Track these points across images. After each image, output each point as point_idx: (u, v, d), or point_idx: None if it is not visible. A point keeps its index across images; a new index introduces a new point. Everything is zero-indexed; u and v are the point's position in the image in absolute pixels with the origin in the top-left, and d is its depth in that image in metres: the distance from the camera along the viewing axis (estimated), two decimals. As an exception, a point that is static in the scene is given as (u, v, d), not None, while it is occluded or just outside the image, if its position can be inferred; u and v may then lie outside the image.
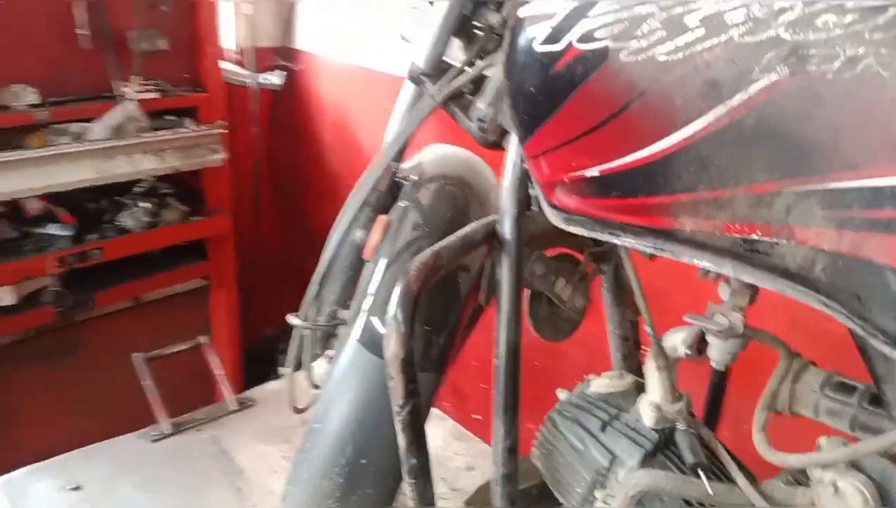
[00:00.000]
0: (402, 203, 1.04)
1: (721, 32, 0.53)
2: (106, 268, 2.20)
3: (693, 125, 0.56)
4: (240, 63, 2.72)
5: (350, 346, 1.01)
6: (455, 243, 0.80)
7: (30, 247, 2.06)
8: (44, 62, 2.02)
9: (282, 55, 2.79)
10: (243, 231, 2.72)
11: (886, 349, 0.52)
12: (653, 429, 0.81)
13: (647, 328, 0.81)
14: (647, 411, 0.82)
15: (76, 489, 1.49)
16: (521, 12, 0.65)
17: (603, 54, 0.59)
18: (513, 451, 0.86)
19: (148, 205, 2.22)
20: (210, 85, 2.34)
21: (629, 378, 0.88)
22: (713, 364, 0.76)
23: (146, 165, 2.16)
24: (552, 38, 0.62)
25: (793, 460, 0.67)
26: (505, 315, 0.84)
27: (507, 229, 0.82)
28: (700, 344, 0.77)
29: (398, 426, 0.76)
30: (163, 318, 2.37)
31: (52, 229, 2.11)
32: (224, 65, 2.46)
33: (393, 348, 0.73)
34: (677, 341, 0.77)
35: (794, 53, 0.51)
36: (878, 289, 0.51)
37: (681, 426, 0.80)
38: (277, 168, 2.95)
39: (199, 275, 2.48)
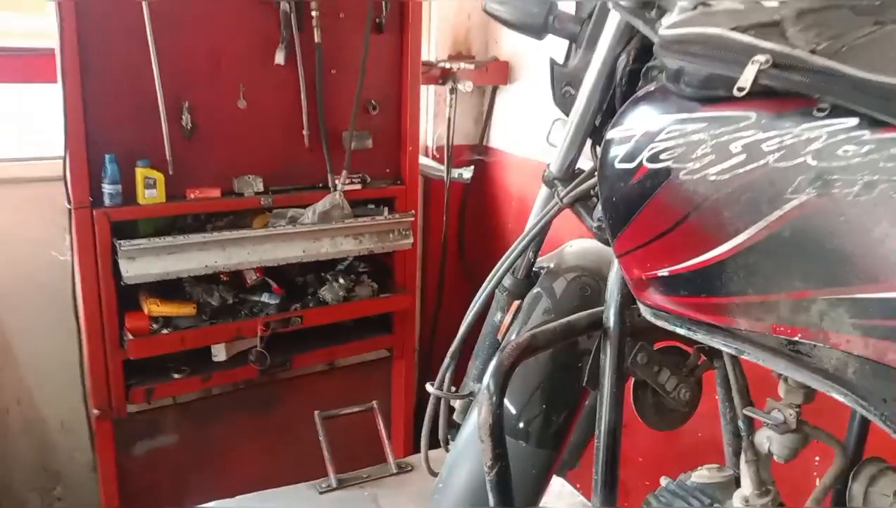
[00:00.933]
0: (535, 290, 1.16)
1: (759, 158, 0.61)
2: (305, 334, 2.50)
3: (739, 237, 0.63)
4: (436, 158, 3.02)
5: (468, 423, 1.12)
6: (555, 328, 0.90)
7: (244, 311, 2.40)
8: (271, 156, 2.39)
9: (474, 151, 3.06)
10: (428, 309, 2.95)
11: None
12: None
13: (741, 424, 0.85)
14: (737, 503, 0.84)
15: (255, 524, 1.71)
16: (609, 134, 0.76)
17: (666, 173, 0.68)
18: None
19: (344, 281, 2.51)
20: (407, 178, 2.62)
21: (729, 472, 0.91)
22: (776, 458, 0.79)
23: (346, 247, 2.46)
24: (628, 157, 0.72)
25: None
26: (606, 400, 0.91)
27: (611, 318, 0.91)
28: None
29: (488, 486, 0.86)
30: (349, 382, 2.63)
31: (264, 298, 2.44)
32: (422, 160, 2.74)
33: (483, 415, 0.84)
34: (763, 437, 0.80)
35: (820, 178, 0.58)
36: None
37: (769, 520, 0.82)
38: (465, 253, 3.18)
39: (383, 346, 2.72)
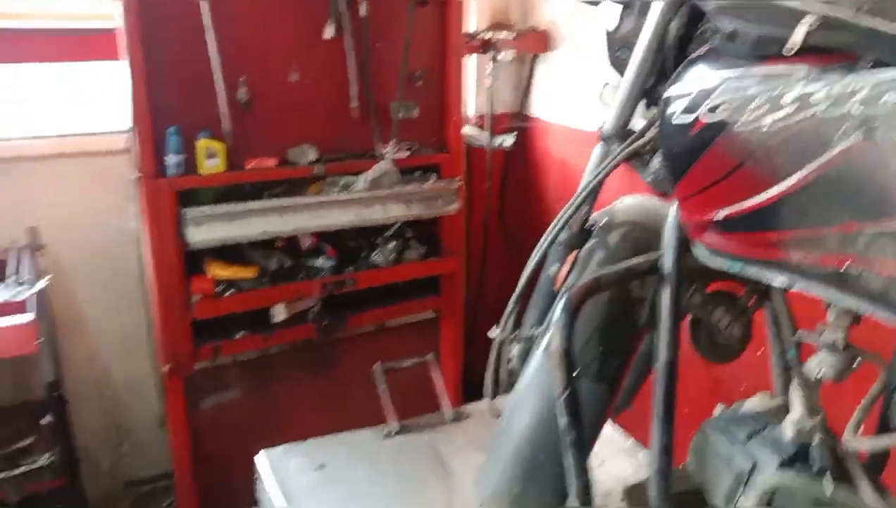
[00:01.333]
0: (591, 243, 1.25)
1: (808, 108, 0.70)
2: (358, 296, 2.63)
3: (791, 179, 0.72)
4: (479, 127, 3.11)
5: (537, 356, 1.23)
6: (618, 271, 1.00)
7: (301, 274, 2.53)
8: (323, 127, 2.50)
9: (515, 120, 3.14)
10: (472, 272, 3.06)
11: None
12: (792, 442, 0.93)
13: (790, 355, 0.94)
14: (788, 426, 0.94)
15: (321, 467, 1.84)
16: (669, 91, 0.85)
17: (723, 125, 0.77)
18: (667, 451, 1.02)
19: (394, 245, 2.62)
20: (452, 146, 2.72)
21: (779, 399, 1.01)
22: (828, 378, 0.88)
23: (396, 213, 2.57)
24: (687, 111, 0.81)
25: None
26: (663, 337, 1.01)
27: (667, 262, 1.00)
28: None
29: (559, 409, 0.96)
30: (399, 343, 2.75)
31: (319, 262, 2.56)
32: (465, 129, 2.83)
33: (555, 344, 0.94)
34: (813, 363, 0.89)
35: (865, 123, 0.66)
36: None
37: (816, 440, 0.91)
38: (507, 218, 3.28)
39: (432, 307, 2.84)
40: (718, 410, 1.05)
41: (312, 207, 2.43)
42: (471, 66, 3.12)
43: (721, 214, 0.81)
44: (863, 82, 0.66)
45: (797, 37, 0.69)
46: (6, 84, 2.62)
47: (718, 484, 0.98)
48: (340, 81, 2.51)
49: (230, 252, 2.44)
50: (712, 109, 0.78)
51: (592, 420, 1.20)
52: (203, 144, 2.31)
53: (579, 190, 1.23)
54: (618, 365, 1.18)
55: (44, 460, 2.37)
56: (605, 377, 1.18)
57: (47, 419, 2.47)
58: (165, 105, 2.26)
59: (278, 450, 1.92)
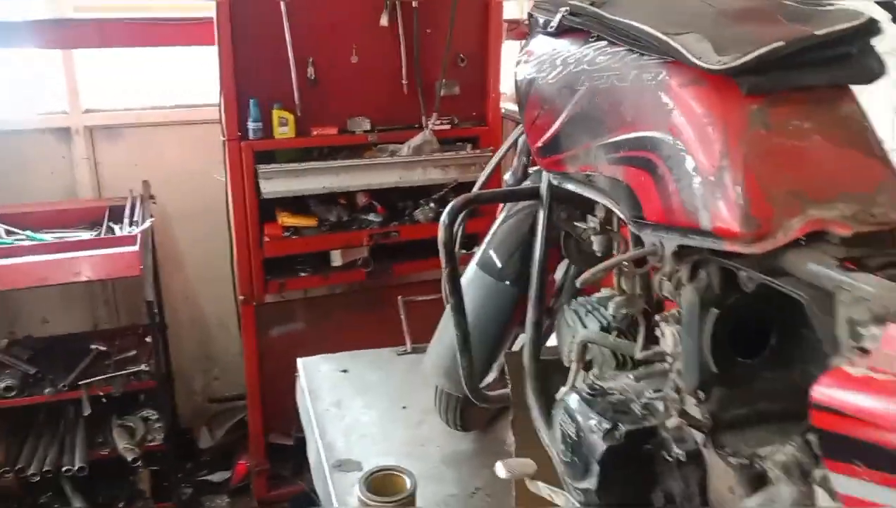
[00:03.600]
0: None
1: (566, 67, 1.07)
2: (403, 249, 3.07)
3: (562, 115, 1.09)
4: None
5: (472, 267, 1.62)
6: (501, 192, 1.38)
7: (355, 226, 3.00)
8: (377, 101, 2.95)
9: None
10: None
11: (633, 227, 1.00)
12: (611, 315, 1.28)
13: (616, 253, 1.29)
14: (610, 305, 1.29)
15: (344, 371, 2.30)
16: (516, 64, 1.23)
17: (532, 81, 1.15)
18: (538, 325, 1.38)
19: (433, 206, 3.04)
20: (490, 120, 3.11)
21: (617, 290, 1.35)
22: (598, 253, 1.23)
23: (434, 176, 2.99)
24: (520, 74, 1.19)
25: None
26: (538, 241, 1.38)
27: (543, 187, 1.37)
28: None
29: (444, 281, 1.35)
30: (437, 291, 3.16)
31: (371, 217, 3.03)
32: (503, 104, 3.21)
33: (441, 236, 1.33)
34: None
35: (590, 75, 1.03)
36: (623, 193, 1.00)
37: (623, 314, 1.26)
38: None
39: (465, 262, 3.24)
40: (581, 298, 1.40)
41: (362, 168, 2.89)
42: (512, 48, 3.48)
43: (540, 142, 1.19)
44: (588, 49, 1.02)
45: (555, 20, 1.05)
46: (126, 63, 3.24)
47: (563, 345, 1.34)
48: (393, 62, 2.95)
49: (297, 204, 2.94)
50: (531, 70, 1.15)
51: (507, 314, 1.58)
52: (277, 113, 2.81)
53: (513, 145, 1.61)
54: (525, 273, 1.52)
55: (143, 366, 2.96)
56: (515, 281, 1.55)
57: (149, 338, 3.08)
58: (247, 81, 2.78)
59: (314, 358, 2.40)
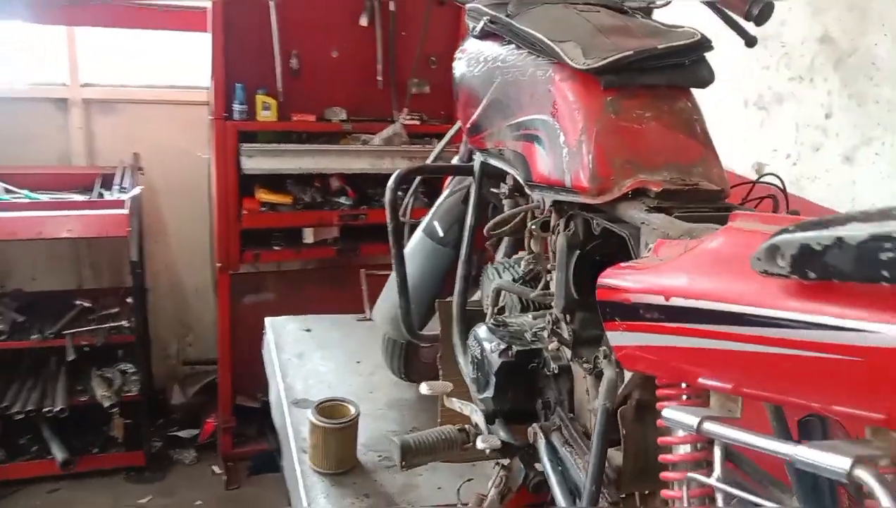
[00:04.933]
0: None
1: (487, 63, 1.36)
2: (371, 233, 3.35)
3: (483, 102, 1.39)
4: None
5: (418, 233, 1.91)
6: (440, 167, 1.67)
7: (327, 207, 3.28)
8: (353, 94, 3.24)
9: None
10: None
11: (526, 189, 1.29)
12: (523, 270, 1.57)
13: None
14: (522, 262, 1.58)
15: (308, 330, 2.58)
16: (456, 54, 1.52)
17: (462, 76, 1.45)
18: (466, 279, 1.67)
19: (400, 193, 3.32)
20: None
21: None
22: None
23: (402, 166, 3.26)
24: (455, 70, 1.49)
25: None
26: (470, 208, 1.67)
27: (476, 164, 1.66)
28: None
29: (390, 237, 1.64)
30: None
31: (342, 199, 3.31)
32: (470, 106, 3.50)
33: (387, 197, 1.61)
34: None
35: (502, 70, 1.32)
36: (520, 163, 1.29)
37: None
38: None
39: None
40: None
41: (336, 153, 3.18)
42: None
43: (468, 124, 1.48)
44: (503, 50, 1.32)
45: (479, 26, 1.35)
46: (124, 44, 3.50)
47: (484, 295, 1.63)
48: (370, 59, 3.24)
49: (275, 183, 3.21)
50: (460, 66, 1.45)
51: (442, 273, 1.87)
52: (261, 98, 3.09)
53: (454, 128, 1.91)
54: (460, 236, 1.81)
55: (123, 323, 3.22)
56: (454, 246, 1.84)
57: (130, 299, 3.33)
58: (235, 67, 3.05)
59: (281, 318, 2.68)
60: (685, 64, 1.16)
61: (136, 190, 3.19)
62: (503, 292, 1.55)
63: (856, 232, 0.52)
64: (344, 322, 2.68)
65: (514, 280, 1.57)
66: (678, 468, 0.78)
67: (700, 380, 0.75)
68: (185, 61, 3.57)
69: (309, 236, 3.31)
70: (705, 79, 1.18)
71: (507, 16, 1.33)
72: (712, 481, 0.72)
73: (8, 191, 3.09)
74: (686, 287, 0.74)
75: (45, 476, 3.20)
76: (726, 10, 1.40)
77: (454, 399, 1.54)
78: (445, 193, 1.96)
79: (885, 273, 0.50)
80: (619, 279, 0.87)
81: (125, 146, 3.49)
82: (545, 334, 1.35)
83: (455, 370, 1.68)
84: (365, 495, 1.77)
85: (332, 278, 3.46)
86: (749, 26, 1.43)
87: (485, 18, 1.36)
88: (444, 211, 1.91)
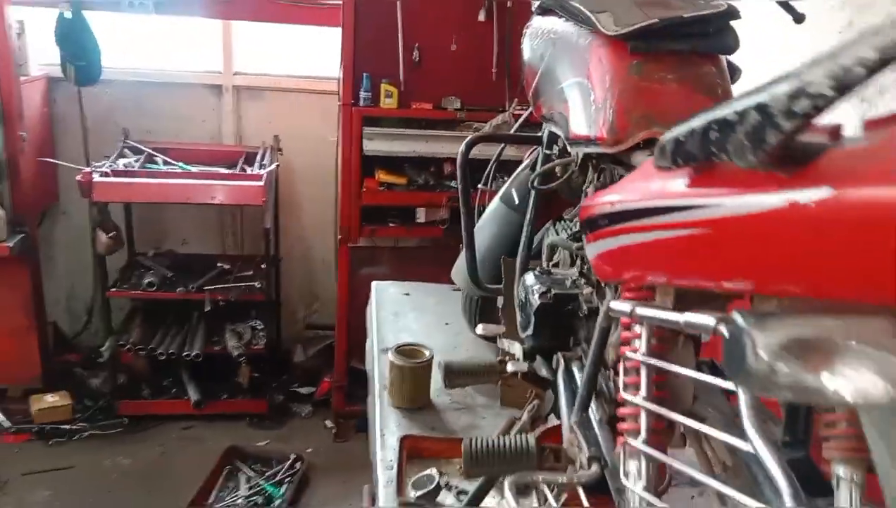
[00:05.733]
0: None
1: (544, 36, 1.54)
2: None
3: (539, 70, 1.56)
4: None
5: (496, 200, 2.10)
6: (506, 136, 1.85)
7: (438, 189, 3.53)
8: (469, 84, 3.47)
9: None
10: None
11: (567, 145, 1.46)
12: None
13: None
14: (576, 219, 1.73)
15: (406, 294, 2.83)
16: (524, 31, 1.71)
17: (527, 47, 1.63)
18: (530, 240, 1.84)
19: (505, 178, 3.51)
20: (566, 110, 3.55)
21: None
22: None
23: (509, 153, 3.46)
24: (523, 42, 1.67)
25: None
26: (536, 174, 1.84)
27: (543, 133, 1.83)
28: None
29: (460, 197, 1.84)
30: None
31: (452, 183, 3.54)
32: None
33: (459, 161, 1.81)
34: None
35: (555, 39, 1.49)
36: (563, 122, 1.45)
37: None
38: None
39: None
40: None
41: (449, 139, 3.42)
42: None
43: (530, 92, 1.65)
44: (554, 23, 1.49)
45: (536, 4, 1.52)
46: (266, 36, 3.93)
47: (543, 252, 1.79)
48: (486, 52, 3.46)
49: (393, 164, 3.50)
50: (526, 40, 1.63)
51: (513, 236, 2.05)
52: (384, 87, 3.39)
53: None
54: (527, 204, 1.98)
55: (255, 283, 3.62)
56: (519, 209, 2.01)
57: (264, 265, 3.73)
58: (363, 58, 3.37)
59: (385, 282, 2.95)
60: (710, 32, 1.29)
61: (273, 166, 3.58)
62: (557, 248, 1.71)
63: (701, 120, 0.67)
64: (440, 290, 2.90)
65: (568, 237, 1.73)
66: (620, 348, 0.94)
67: (644, 277, 0.90)
68: (321, 53, 3.95)
69: (421, 215, 3.57)
70: (730, 46, 1.30)
71: (562, -4, 1.50)
72: (639, 356, 0.87)
73: (166, 162, 3.57)
74: (622, 193, 0.89)
75: (180, 415, 3.66)
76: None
77: (504, 340, 1.71)
78: (524, 163, 2.13)
79: (714, 150, 0.65)
80: (589, 200, 1.03)
81: (268, 129, 3.91)
82: (582, 280, 1.50)
83: (514, 320, 1.85)
84: (431, 428, 1.97)
85: (439, 256, 3.66)
86: (798, 4, 1.52)
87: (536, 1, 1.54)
88: (520, 180, 2.09)
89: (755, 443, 0.65)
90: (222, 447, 3.42)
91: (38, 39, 3.57)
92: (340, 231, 3.56)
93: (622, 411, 0.93)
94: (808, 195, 0.57)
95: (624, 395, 0.89)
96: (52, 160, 3.57)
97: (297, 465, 3.36)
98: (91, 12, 3.48)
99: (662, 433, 0.88)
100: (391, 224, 3.58)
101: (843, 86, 0.51)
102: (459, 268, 2.20)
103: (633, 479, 0.87)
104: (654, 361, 0.85)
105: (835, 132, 0.61)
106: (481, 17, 3.39)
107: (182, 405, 3.62)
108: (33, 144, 3.49)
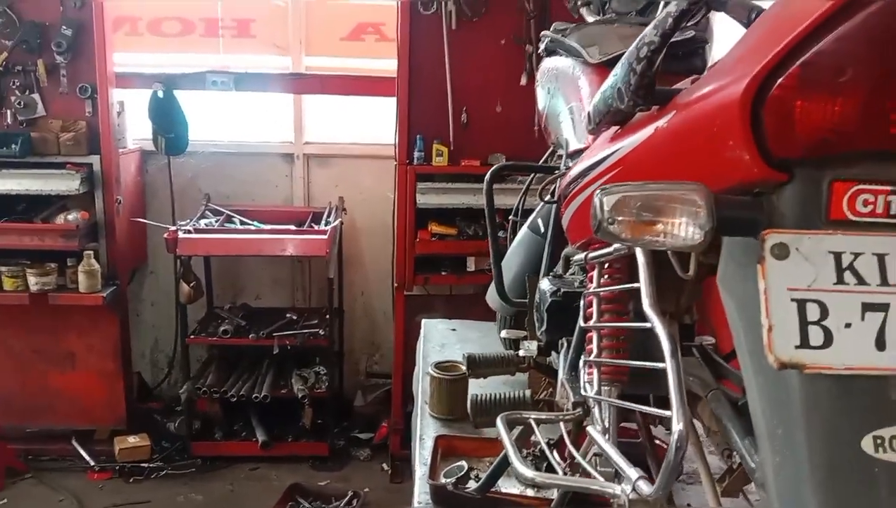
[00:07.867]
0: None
1: (556, 70, 1.80)
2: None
3: (549, 102, 1.82)
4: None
5: (524, 229, 2.34)
6: (526, 165, 2.10)
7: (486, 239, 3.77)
8: (512, 142, 3.76)
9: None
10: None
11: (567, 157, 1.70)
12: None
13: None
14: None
15: (453, 330, 3.05)
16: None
17: (537, 85, 1.90)
18: (552, 261, 2.06)
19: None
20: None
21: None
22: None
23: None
24: (537, 82, 1.94)
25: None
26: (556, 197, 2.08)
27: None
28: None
29: (487, 221, 2.08)
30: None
31: (500, 233, 3.79)
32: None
33: (485, 189, 2.06)
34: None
35: (557, 75, 1.76)
36: (564, 141, 1.70)
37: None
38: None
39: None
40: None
41: (496, 191, 3.67)
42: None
43: (542, 123, 1.91)
44: (559, 61, 1.75)
45: (542, 44, 1.80)
46: (332, 107, 4.35)
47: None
48: (528, 113, 3.73)
49: (445, 217, 3.79)
50: (537, 79, 1.90)
51: (539, 261, 2.27)
52: (436, 146, 3.72)
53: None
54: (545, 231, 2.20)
55: (319, 330, 3.91)
56: (545, 236, 2.23)
57: (328, 315, 4.03)
58: (416, 122, 3.72)
59: (434, 320, 3.18)
60: (680, 55, 1.53)
61: (336, 222, 3.92)
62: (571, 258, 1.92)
63: (602, 86, 0.91)
64: (485, 326, 3.11)
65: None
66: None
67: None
68: (381, 120, 4.34)
69: (471, 264, 3.83)
70: (698, 66, 1.53)
71: (562, 34, 1.77)
72: (591, 289, 1.08)
73: (242, 222, 3.96)
74: (579, 163, 1.13)
75: (248, 456, 3.92)
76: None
77: (526, 342, 1.92)
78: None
79: (611, 104, 0.88)
80: (561, 178, 1.26)
81: (334, 191, 4.29)
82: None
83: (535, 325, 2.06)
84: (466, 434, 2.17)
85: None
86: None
87: (546, 39, 1.81)
88: (546, 210, 2.32)
89: (652, 320, 0.86)
90: (286, 485, 3.64)
91: (135, 117, 4.07)
92: (397, 279, 3.84)
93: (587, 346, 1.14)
94: (664, 120, 0.80)
95: (581, 324, 1.10)
96: (143, 220, 4.01)
97: (355, 502, 3.55)
98: (180, 91, 3.97)
99: (616, 353, 1.08)
100: (443, 272, 3.84)
101: (664, 34, 0.75)
102: (491, 291, 2.42)
103: (591, 389, 1.07)
104: (599, 290, 1.06)
105: (694, 79, 0.84)
106: (523, 81, 3.71)
107: (250, 446, 3.88)
108: (127, 207, 3.94)
